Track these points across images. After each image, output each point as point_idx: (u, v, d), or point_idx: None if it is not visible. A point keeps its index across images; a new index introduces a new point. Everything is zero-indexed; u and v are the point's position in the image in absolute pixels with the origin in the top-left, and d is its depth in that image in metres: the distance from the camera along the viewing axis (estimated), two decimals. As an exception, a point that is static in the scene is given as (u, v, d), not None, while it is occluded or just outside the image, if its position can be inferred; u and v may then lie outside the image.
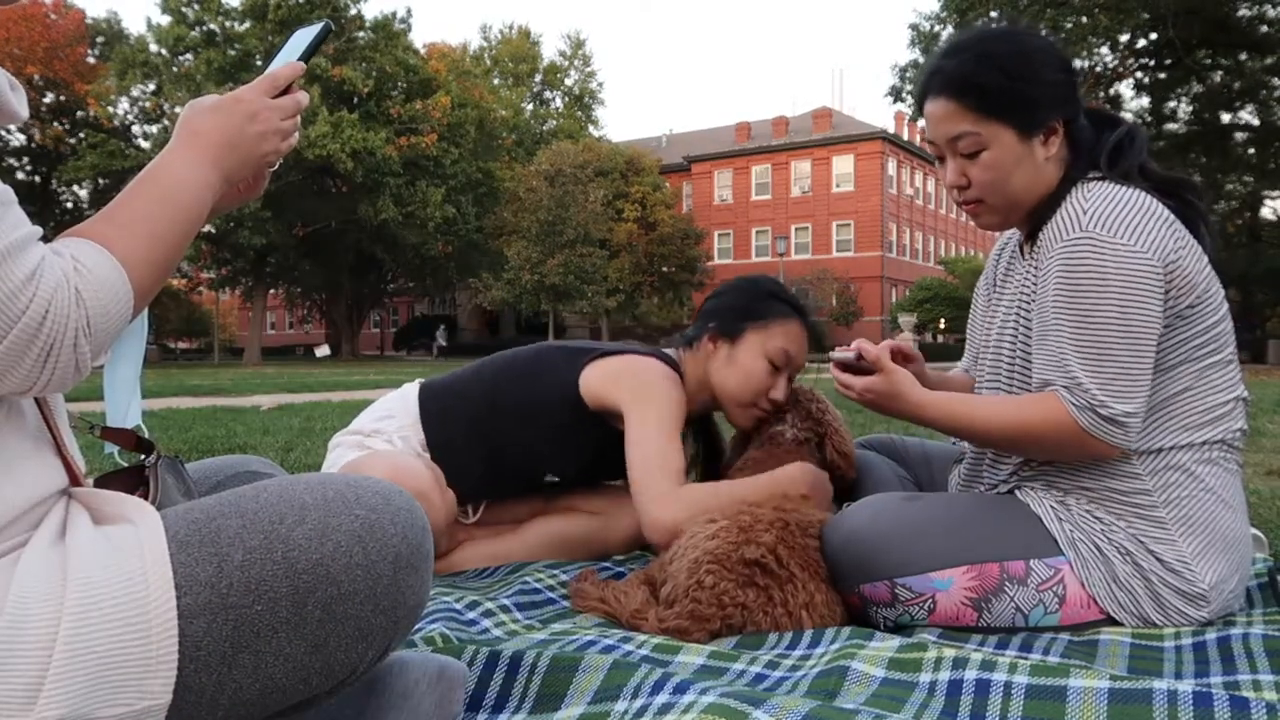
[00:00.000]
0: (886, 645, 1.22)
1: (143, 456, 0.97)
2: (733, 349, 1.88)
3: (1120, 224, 1.36)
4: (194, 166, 0.91)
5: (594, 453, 1.96)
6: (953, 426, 1.51)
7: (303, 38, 1.07)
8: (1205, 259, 1.42)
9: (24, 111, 0.80)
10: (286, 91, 1.00)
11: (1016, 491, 1.52)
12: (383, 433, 1.97)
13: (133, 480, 0.94)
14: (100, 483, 0.93)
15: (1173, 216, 1.39)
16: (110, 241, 0.81)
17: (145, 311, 0.95)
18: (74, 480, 0.87)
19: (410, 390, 2.04)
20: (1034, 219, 1.50)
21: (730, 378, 1.87)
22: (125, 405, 0.99)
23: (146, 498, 0.90)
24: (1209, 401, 1.43)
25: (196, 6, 31.05)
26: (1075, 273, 1.37)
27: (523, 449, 1.95)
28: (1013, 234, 1.68)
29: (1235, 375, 1.46)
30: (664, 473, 1.71)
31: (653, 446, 1.74)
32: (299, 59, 1.04)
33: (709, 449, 2.12)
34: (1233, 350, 1.46)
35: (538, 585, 1.74)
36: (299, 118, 1.00)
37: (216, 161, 0.93)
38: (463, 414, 1.96)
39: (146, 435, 0.99)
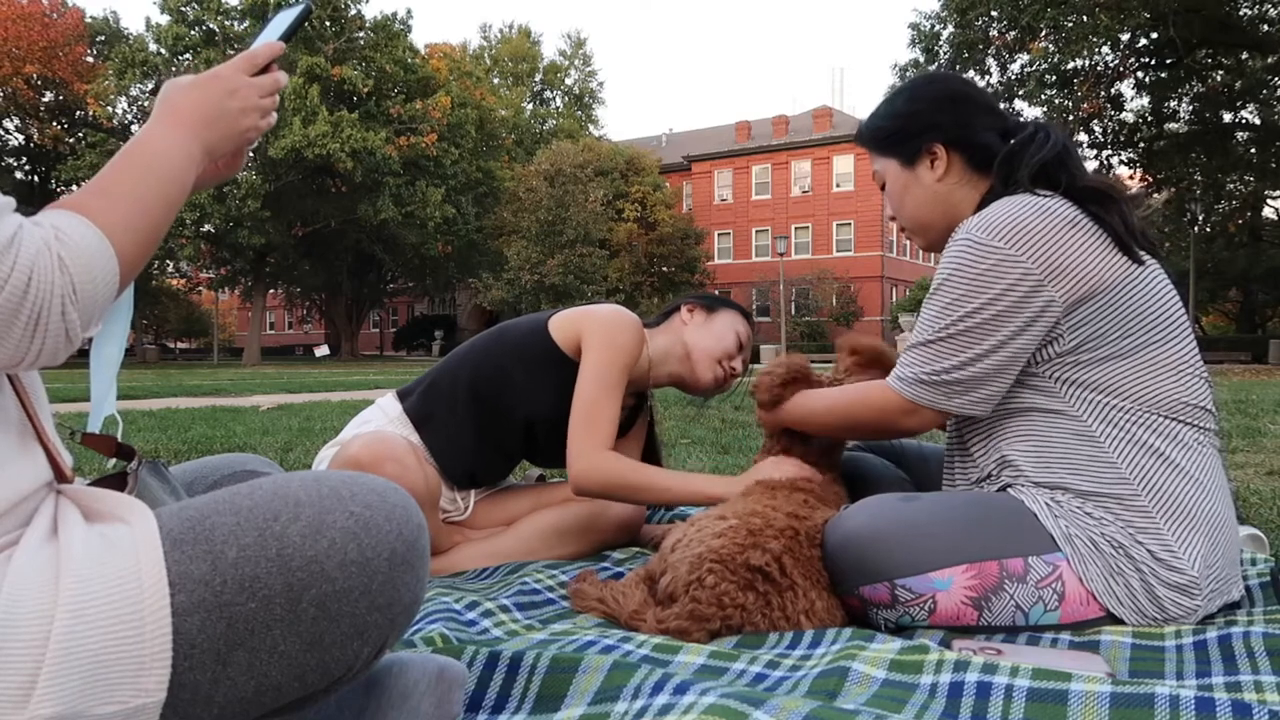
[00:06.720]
0: (888, 647, 1.22)
1: (113, 462, 0.97)
2: (709, 317, 2.14)
3: (1003, 228, 1.42)
4: (174, 139, 0.92)
5: (568, 392, 1.98)
6: (802, 421, 1.76)
7: (284, 18, 1.09)
8: (1118, 253, 1.43)
9: None
10: (266, 70, 1.01)
11: (1010, 489, 1.51)
12: (362, 436, 1.98)
13: (115, 487, 0.94)
14: None
15: (1080, 218, 1.43)
16: (90, 211, 0.81)
17: (130, 293, 0.94)
18: (59, 475, 0.86)
19: (384, 399, 2.12)
20: None
21: (706, 336, 2.11)
22: (107, 387, 0.98)
23: None
24: (1158, 379, 1.43)
25: (196, 6, 31.09)
26: (943, 270, 1.48)
27: (503, 388, 2.02)
28: None
29: (1184, 354, 1.46)
30: (593, 429, 1.90)
31: (591, 399, 1.92)
32: (279, 39, 1.05)
33: (647, 446, 2.27)
34: (1180, 331, 1.47)
35: (537, 585, 1.74)
36: (277, 97, 1.02)
37: (196, 135, 0.94)
38: (444, 383, 2.06)
39: (120, 425, 0.99)
